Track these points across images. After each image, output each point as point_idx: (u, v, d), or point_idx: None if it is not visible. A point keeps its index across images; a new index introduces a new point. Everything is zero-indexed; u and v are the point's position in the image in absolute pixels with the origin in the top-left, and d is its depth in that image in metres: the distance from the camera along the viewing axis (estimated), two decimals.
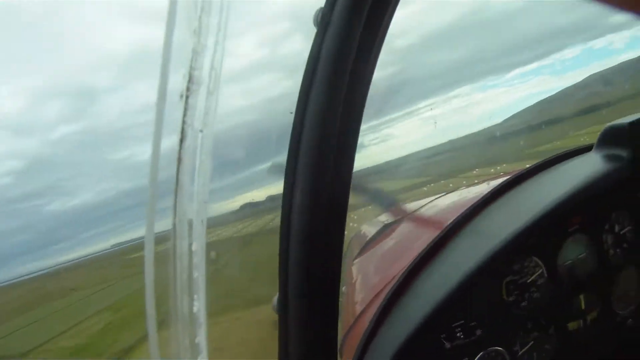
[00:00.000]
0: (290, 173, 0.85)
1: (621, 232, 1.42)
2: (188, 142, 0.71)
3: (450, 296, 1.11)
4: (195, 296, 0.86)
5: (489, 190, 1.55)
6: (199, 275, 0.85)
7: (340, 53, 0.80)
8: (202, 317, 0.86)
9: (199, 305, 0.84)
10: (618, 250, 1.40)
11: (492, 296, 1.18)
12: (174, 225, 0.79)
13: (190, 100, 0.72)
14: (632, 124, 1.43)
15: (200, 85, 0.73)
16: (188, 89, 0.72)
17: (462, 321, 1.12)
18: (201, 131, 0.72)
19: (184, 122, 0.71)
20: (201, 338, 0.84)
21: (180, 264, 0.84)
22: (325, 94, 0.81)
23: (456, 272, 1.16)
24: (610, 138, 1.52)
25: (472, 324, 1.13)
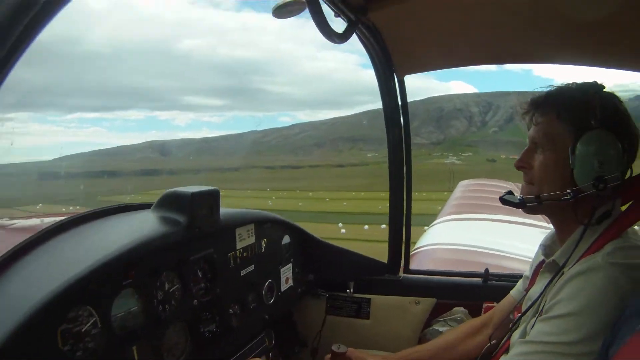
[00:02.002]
0: None
1: (170, 290, 1.56)
2: None
3: (6, 342, 1.02)
4: None
5: (45, 226, 1.53)
6: None
7: None
8: None
9: None
10: (167, 306, 1.53)
11: (48, 344, 1.14)
12: None
13: None
14: (193, 194, 1.62)
15: None
16: None
17: None
18: None
19: None
20: None
21: None
22: None
23: (8, 315, 1.08)
24: (171, 203, 1.67)
25: None
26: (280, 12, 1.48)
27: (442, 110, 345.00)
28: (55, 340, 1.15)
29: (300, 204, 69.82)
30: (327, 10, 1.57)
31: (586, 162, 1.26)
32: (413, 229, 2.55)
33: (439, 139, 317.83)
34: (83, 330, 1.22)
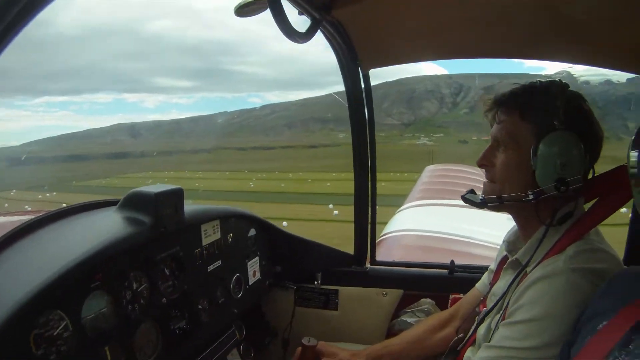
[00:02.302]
0: None
1: (138, 290, 1.58)
2: None
3: None
4: None
5: (14, 227, 1.55)
6: None
7: None
8: None
9: None
10: (136, 305, 1.55)
11: (21, 350, 1.15)
12: None
13: None
14: (157, 194, 1.63)
15: None
16: None
17: None
18: None
19: None
20: None
21: None
22: None
23: None
24: (135, 203, 1.68)
25: None
26: (242, 11, 1.48)
27: (413, 91, 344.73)
28: (28, 345, 1.16)
29: (282, 185, 69.05)
30: (291, 9, 1.56)
31: (548, 164, 1.28)
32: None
33: (410, 119, 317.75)
34: (55, 334, 1.23)
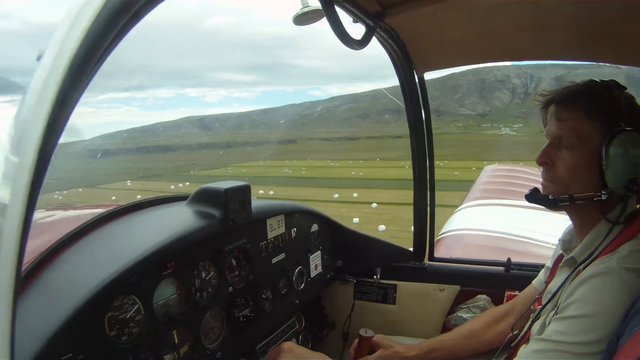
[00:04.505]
0: None
1: (207, 278, 1.69)
2: None
3: (58, 330, 1.09)
4: None
5: (92, 217, 1.66)
6: None
7: None
8: None
9: None
10: (204, 293, 1.66)
11: (96, 331, 1.24)
12: None
13: None
14: (226, 190, 1.74)
15: None
16: None
17: (70, 354, 1.12)
18: None
19: None
20: None
21: None
22: None
23: (59, 306, 1.16)
24: (205, 198, 1.80)
25: (80, 357, 1.15)
26: (300, 20, 1.53)
27: (483, 81, 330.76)
28: (102, 326, 1.26)
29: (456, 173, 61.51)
30: (345, 17, 1.61)
31: (624, 164, 1.27)
32: None
33: (484, 110, 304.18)
34: (128, 317, 1.33)
